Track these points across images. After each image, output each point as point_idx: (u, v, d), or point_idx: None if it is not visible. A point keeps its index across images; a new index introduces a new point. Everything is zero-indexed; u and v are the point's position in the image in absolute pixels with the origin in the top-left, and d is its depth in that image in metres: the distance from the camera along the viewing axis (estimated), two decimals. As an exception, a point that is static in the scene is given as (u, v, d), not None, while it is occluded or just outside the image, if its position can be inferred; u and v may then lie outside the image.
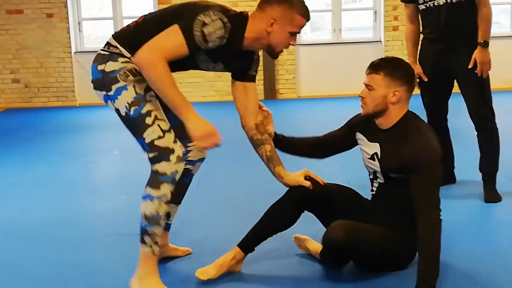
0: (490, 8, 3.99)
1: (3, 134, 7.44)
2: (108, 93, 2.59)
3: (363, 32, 9.97)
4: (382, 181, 2.85)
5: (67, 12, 9.67)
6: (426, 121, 3.46)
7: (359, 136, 2.97)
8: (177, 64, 2.60)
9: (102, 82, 2.59)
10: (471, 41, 3.95)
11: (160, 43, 2.48)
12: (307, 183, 2.93)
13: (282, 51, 2.81)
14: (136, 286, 2.64)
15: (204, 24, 2.50)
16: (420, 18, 4.17)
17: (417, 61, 4.18)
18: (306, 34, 10.30)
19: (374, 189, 2.93)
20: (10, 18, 9.70)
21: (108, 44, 2.67)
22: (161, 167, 2.52)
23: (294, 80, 9.68)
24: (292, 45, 2.78)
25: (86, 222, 3.75)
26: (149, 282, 2.62)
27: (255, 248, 2.97)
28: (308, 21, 2.77)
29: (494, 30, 9.88)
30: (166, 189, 2.55)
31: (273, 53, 2.77)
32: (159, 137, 2.53)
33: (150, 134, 2.54)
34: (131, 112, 2.55)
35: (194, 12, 2.53)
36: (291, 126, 7.35)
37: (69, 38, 9.72)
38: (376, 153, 2.84)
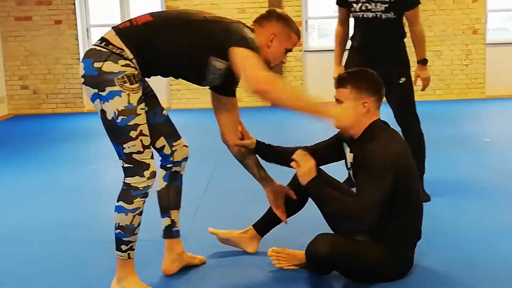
0: (422, 26, 4.16)
1: (11, 140, 7.46)
2: (100, 93, 2.54)
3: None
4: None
5: (76, 19, 9.71)
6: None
7: (345, 146, 2.94)
8: (180, 72, 2.62)
9: (97, 80, 2.53)
10: (396, 53, 4.15)
11: (259, 71, 2.58)
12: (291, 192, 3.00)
13: (273, 67, 2.90)
14: (115, 286, 2.71)
15: (252, 42, 2.64)
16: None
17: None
18: (314, 40, 10.30)
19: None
20: (19, 25, 9.75)
21: (106, 40, 2.58)
22: (134, 181, 2.58)
23: (301, 86, 9.67)
24: (283, 62, 2.93)
25: (93, 228, 3.75)
26: (128, 281, 2.69)
27: (269, 230, 3.15)
28: (299, 40, 2.96)
29: (503, 37, 9.92)
30: (139, 203, 2.62)
31: (267, 68, 2.79)
32: (138, 152, 2.56)
33: (130, 147, 2.56)
34: (118, 120, 2.54)
35: (240, 32, 2.66)
36: (298, 132, 7.35)
37: (78, 44, 9.76)
38: (351, 162, 2.84)
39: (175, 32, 2.60)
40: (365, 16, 4.08)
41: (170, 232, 2.96)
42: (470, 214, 3.82)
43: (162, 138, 2.87)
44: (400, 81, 4.13)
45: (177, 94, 9.72)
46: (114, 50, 2.53)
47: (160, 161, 2.91)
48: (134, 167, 2.57)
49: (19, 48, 9.82)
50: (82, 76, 2.58)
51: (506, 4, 9.92)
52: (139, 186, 2.58)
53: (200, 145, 6.44)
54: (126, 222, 2.61)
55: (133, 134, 2.54)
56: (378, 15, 4.04)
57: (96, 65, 2.52)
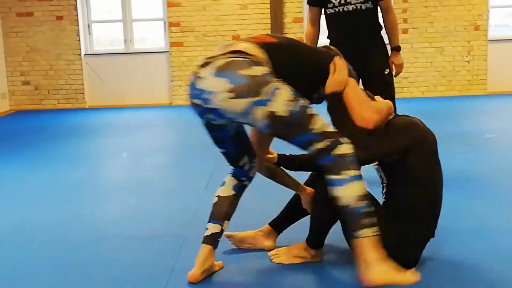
0: (395, 14, 4.33)
1: (12, 136, 7.47)
2: (255, 99, 2.40)
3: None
4: (386, 182, 2.82)
5: (77, 15, 9.71)
6: None
7: None
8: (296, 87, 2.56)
9: (249, 86, 2.39)
10: (378, 45, 4.25)
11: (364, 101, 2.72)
12: None
13: None
14: (375, 274, 2.41)
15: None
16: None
17: None
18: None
19: (383, 194, 2.89)
20: (20, 21, 9.75)
21: (241, 52, 2.51)
22: (343, 149, 2.44)
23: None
24: None
25: (95, 225, 3.75)
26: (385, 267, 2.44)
27: (285, 228, 3.14)
28: None
29: (505, 33, 9.89)
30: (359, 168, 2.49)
31: None
32: (327, 124, 2.49)
33: (318, 123, 2.45)
34: (293, 108, 2.42)
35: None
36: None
37: (79, 40, 9.75)
38: None
39: (303, 55, 2.70)
40: (345, 9, 4.15)
41: (215, 241, 2.84)
42: (471, 210, 3.81)
43: (246, 156, 2.86)
44: (385, 72, 4.23)
45: (178, 90, 9.71)
46: (253, 59, 2.48)
47: (235, 172, 2.92)
48: (335, 138, 2.45)
49: (21, 44, 9.82)
50: (230, 91, 2.42)
51: (508, 0, 9.89)
52: (349, 152, 2.45)
53: (200, 142, 6.44)
54: (362, 190, 2.44)
55: (310, 111, 2.46)
56: (359, 7, 4.13)
57: (244, 72, 2.42)
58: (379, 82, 4.18)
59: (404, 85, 9.22)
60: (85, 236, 3.53)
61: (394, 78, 4.34)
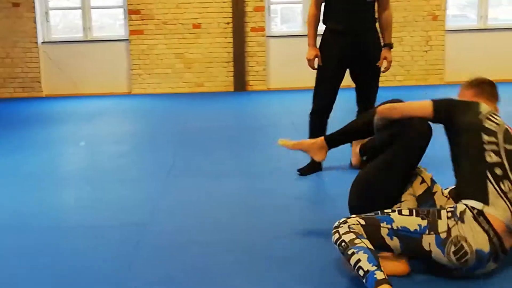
0: (392, 12, 4.50)
1: (-33, 125, 7.28)
2: None
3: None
4: None
5: (34, 2, 9.49)
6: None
7: None
8: None
9: None
10: (374, 37, 4.39)
11: None
12: None
13: None
14: None
15: None
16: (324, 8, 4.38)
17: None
18: (277, 25, 10.28)
19: None
20: (-26, 7, 9.49)
21: None
22: None
23: (264, 72, 9.67)
24: None
25: (54, 214, 3.69)
26: None
27: (338, 145, 3.23)
28: None
29: (462, 24, 10.05)
30: None
31: None
32: None
33: None
34: None
35: None
36: (261, 118, 7.36)
37: (36, 28, 9.54)
38: None
39: None
40: None
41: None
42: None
43: None
44: (378, 64, 4.38)
45: (137, 79, 9.60)
46: None
47: None
48: None
49: (-25, 31, 9.56)
50: None
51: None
52: None
53: (161, 130, 6.40)
54: None
55: None
56: None
57: None
58: (372, 72, 4.40)
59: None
60: (44, 225, 3.47)
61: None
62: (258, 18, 9.52)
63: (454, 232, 2.45)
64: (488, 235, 2.45)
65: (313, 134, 4.39)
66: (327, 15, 4.38)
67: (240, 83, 9.57)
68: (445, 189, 2.88)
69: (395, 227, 2.53)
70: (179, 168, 4.69)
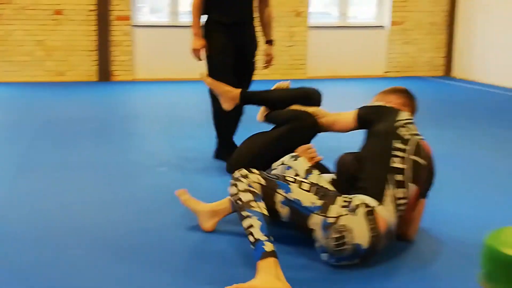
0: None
1: None
2: None
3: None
4: None
5: None
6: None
7: None
8: None
9: None
10: (253, 31, 4.42)
11: None
12: None
13: None
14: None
15: None
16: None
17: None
18: (145, 15, 10.10)
19: None
20: None
21: None
22: None
23: (130, 62, 9.46)
24: None
25: None
26: None
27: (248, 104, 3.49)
28: None
29: (325, 20, 10.43)
30: None
31: None
32: None
33: None
34: None
35: None
36: (126, 109, 7.20)
37: None
38: None
39: None
40: None
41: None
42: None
43: None
44: (254, 59, 4.42)
45: (-6, 66, 9.04)
46: None
47: None
48: None
49: None
50: None
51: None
52: None
53: (17, 121, 6.06)
54: None
55: None
56: None
57: None
58: (249, 67, 4.41)
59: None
60: None
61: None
62: (123, 6, 9.28)
63: (342, 221, 2.51)
64: (372, 233, 2.52)
65: (223, 128, 4.31)
66: (210, 6, 4.33)
67: (104, 73, 9.30)
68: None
69: (290, 198, 2.60)
70: (33, 160, 4.46)
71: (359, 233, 2.50)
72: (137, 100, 7.88)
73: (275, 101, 3.40)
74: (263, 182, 2.63)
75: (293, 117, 3.20)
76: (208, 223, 2.97)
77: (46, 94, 8.00)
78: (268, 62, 4.53)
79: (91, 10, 9.15)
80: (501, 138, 5.50)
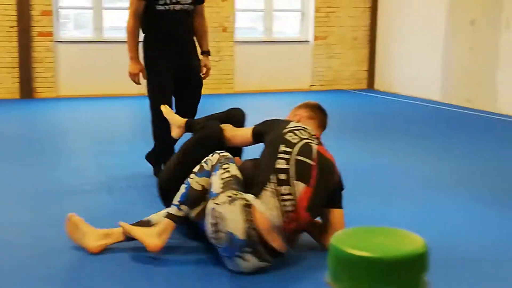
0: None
1: None
2: None
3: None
4: None
5: None
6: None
7: None
8: None
9: None
10: (194, 46, 4.45)
11: None
12: None
13: None
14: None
15: None
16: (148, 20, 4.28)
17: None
18: (70, 31, 9.91)
19: None
20: None
21: None
22: None
23: (53, 78, 9.25)
24: None
25: None
26: None
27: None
28: None
29: (250, 35, 10.54)
30: None
31: None
32: None
33: None
34: None
35: None
36: (49, 125, 7.03)
37: None
38: None
39: None
40: (174, 8, 4.20)
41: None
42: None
43: None
44: (202, 74, 4.44)
45: None
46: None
47: None
48: None
49: None
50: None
51: (253, 5, 10.56)
52: None
53: None
54: None
55: None
56: (185, 8, 4.24)
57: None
58: (197, 82, 4.41)
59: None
60: None
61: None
62: (45, 22, 9.08)
63: (219, 209, 2.65)
64: (247, 225, 2.63)
65: (161, 143, 4.29)
66: (149, 25, 4.28)
67: (27, 90, 9.05)
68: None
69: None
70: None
71: (233, 222, 2.62)
72: (61, 117, 7.71)
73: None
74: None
75: (198, 129, 3.35)
76: (177, 132, 3.51)
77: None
78: (206, 73, 4.50)
79: (11, 27, 8.91)
80: (420, 146, 5.71)
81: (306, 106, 3.23)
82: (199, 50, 4.50)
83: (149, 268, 2.77)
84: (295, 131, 2.95)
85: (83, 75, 9.33)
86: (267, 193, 2.72)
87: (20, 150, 5.47)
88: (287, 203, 2.72)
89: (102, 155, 5.20)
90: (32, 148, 5.59)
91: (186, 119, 3.58)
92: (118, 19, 10.08)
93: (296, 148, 2.85)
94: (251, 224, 2.63)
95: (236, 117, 3.42)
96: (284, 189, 2.73)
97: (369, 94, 10.17)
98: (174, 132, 3.57)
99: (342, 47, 10.63)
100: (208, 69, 4.49)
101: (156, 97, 4.24)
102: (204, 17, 4.50)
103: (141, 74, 4.33)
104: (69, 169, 4.73)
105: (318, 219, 3.00)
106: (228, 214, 2.63)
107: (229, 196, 2.66)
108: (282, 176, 2.75)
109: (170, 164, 3.25)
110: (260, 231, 2.64)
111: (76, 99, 9.07)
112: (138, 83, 4.35)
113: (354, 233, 0.65)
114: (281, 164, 2.79)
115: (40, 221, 3.43)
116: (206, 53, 4.50)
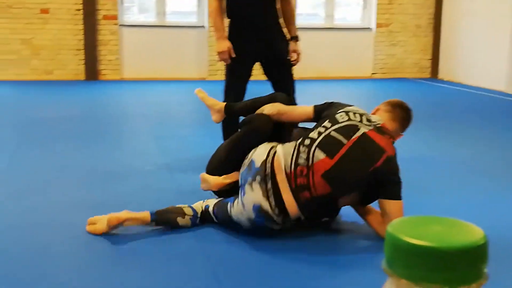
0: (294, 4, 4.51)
1: None
2: None
3: (187, 16, 9.99)
4: None
5: None
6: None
7: None
8: None
9: None
10: (280, 30, 4.35)
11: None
12: None
13: None
14: None
15: None
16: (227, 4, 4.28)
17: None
18: (134, 15, 10.11)
19: None
20: None
21: None
22: None
23: (117, 61, 9.46)
24: None
25: None
26: None
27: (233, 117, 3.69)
28: None
29: (312, 22, 10.48)
30: None
31: None
32: None
33: None
34: None
35: None
36: (113, 107, 7.20)
37: None
38: None
39: None
40: None
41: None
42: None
43: None
44: (289, 58, 4.33)
45: (-20, 64, 9.01)
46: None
47: None
48: None
49: None
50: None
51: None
52: None
53: (2, 121, 6.05)
54: None
55: None
56: None
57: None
58: (283, 67, 4.32)
59: (218, 68, 9.39)
60: None
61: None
62: (110, 6, 9.28)
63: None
64: (266, 158, 2.90)
65: (226, 129, 4.25)
66: (230, 9, 4.26)
67: (92, 71, 9.29)
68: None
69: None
70: (19, 159, 4.46)
71: (257, 153, 2.95)
72: (124, 99, 7.88)
73: (249, 109, 3.48)
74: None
75: (246, 121, 3.35)
76: (216, 116, 3.63)
77: (33, 93, 7.99)
78: (296, 59, 4.39)
79: (77, 10, 9.14)
80: (481, 137, 5.57)
81: (388, 101, 3.20)
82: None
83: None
84: (349, 113, 2.98)
85: (146, 58, 9.50)
86: (289, 144, 2.96)
87: (83, 131, 5.62)
88: (301, 160, 2.85)
89: (163, 138, 5.29)
90: (95, 129, 5.74)
91: (225, 103, 3.63)
92: (181, 4, 10.20)
93: (337, 125, 2.91)
94: (269, 157, 2.89)
95: (280, 101, 3.40)
96: (303, 150, 2.87)
97: (432, 83, 9.98)
98: (214, 117, 3.61)
99: (405, 34, 10.45)
100: (298, 55, 4.38)
101: (228, 82, 4.29)
102: (290, 2, 4.39)
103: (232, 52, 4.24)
104: (131, 150, 4.83)
105: (377, 208, 2.98)
106: (258, 148, 2.98)
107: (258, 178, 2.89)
108: (307, 142, 2.89)
109: (218, 155, 3.28)
110: (273, 168, 2.85)
111: (139, 82, 9.25)
112: (228, 61, 4.27)
113: (412, 222, 0.65)
114: (313, 135, 2.91)
115: (101, 200, 3.52)
116: (295, 38, 4.39)
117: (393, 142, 2.98)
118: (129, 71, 9.53)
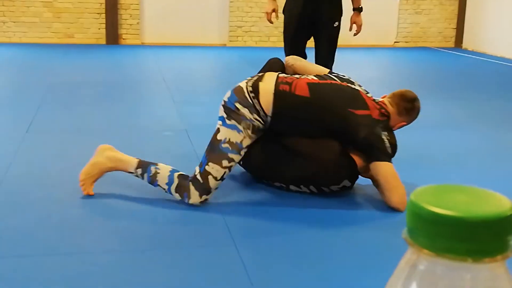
0: None
1: None
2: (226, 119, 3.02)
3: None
4: None
5: None
6: None
7: None
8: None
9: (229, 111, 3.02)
10: (336, 2, 4.46)
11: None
12: None
13: None
14: None
15: None
16: None
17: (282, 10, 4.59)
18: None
19: None
20: None
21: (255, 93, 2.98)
22: (193, 195, 2.85)
23: (138, 25, 9.42)
24: None
25: None
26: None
27: None
28: None
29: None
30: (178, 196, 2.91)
31: None
32: (215, 178, 2.85)
33: (214, 168, 2.86)
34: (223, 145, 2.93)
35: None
36: (133, 72, 7.20)
37: None
38: None
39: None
40: None
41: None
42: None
43: None
44: (334, 25, 4.44)
45: (2, 27, 9.03)
46: (256, 106, 2.93)
47: None
48: (201, 184, 2.85)
49: None
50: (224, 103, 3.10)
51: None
52: (195, 201, 2.86)
53: (25, 83, 6.07)
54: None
55: (225, 163, 2.87)
56: None
57: (236, 105, 2.99)
58: (326, 34, 4.45)
59: (239, 34, 9.33)
60: None
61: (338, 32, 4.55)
62: (132, -30, 9.22)
63: None
64: (253, 79, 3.08)
65: None
66: None
67: (113, 36, 9.27)
68: None
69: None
70: (40, 124, 4.48)
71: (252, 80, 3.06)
72: (145, 64, 7.86)
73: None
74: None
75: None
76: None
77: (54, 56, 8.00)
78: (357, 30, 4.58)
79: (99, -28, 9.09)
80: (507, 111, 5.48)
81: (394, 92, 3.15)
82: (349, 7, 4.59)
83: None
84: (351, 80, 3.11)
85: (167, 23, 9.45)
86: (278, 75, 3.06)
87: (103, 95, 5.63)
88: (294, 75, 3.09)
89: (183, 104, 5.28)
90: (115, 93, 5.74)
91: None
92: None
93: (328, 76, 3.10)
94: (256, 82, 2.99)
95: (273, 62, 3.45)
96: (287, 80, 3.00)
97: (456, 53, 9.82)
98: None
99: (430, 2, 10.26)
100: (358, 26, 4.56)
101: (285, 45, 4.58)
102: None
103: (274, 15, 4.58)
104: (150, 115, 4.83)
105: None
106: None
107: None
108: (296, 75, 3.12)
109: None
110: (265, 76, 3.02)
111: (160, 47, 9.22)
112: (270, 22, 4.61)
113: (436, 190, 0.63)
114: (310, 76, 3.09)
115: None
116: (357, 9, 4.58)
117: (383, 116, 2.96)
118: (150, 36, 9.49)
